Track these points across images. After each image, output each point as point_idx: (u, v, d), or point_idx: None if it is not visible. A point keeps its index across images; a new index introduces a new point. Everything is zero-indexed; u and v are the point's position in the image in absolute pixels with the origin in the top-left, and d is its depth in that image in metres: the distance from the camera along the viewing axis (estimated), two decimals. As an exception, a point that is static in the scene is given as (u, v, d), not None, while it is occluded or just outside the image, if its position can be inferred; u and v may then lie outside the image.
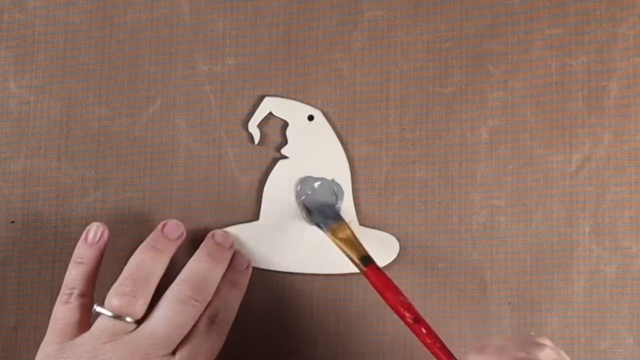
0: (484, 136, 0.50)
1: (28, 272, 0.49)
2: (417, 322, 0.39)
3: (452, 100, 0.50)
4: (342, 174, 0.49)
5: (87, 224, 0.48)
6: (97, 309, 0.43)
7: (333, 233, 0.45)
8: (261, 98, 0.50)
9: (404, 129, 0.50)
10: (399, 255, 0.49)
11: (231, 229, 0.48)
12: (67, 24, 0.50)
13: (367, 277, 0.43)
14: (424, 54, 0.50)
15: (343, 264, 0.47)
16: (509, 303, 0.49)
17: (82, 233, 0.48)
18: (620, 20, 0.50)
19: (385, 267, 0.48)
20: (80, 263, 0.46)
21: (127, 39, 0.50)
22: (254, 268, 0.48)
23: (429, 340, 0.38)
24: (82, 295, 0.44)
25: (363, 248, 0.45)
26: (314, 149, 0.49)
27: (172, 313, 0.42)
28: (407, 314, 0.40)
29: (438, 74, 0.50)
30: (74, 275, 0.45)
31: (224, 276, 0.46)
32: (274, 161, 0.49)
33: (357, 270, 0.46)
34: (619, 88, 0.49)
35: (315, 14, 0.50)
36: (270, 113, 0.49)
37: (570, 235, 0.49)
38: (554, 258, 0.49)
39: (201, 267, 0.44)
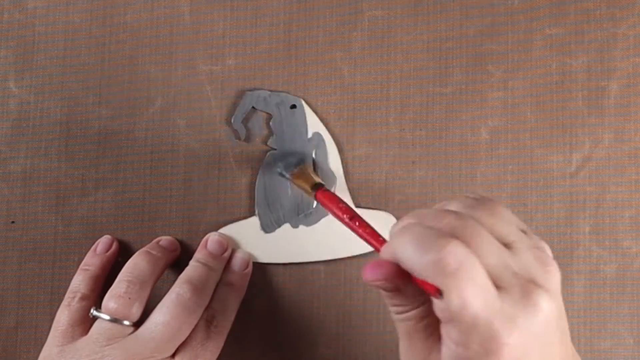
0: (484, 136, 0.49)
1: (28, 272, 0.49)
2: (351, 219, 0.40)
3: (452, 100, 0.50)
4: (332, 158, 0.49)
5: (87, 223, 0.49)
6: (94, 312, 0.43)
7: (295, 178, 0.46)
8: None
9: (404, 129, 0.49)
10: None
11: (229, 228, 0.48)
12: (67, 24, 0.50)
13: (319, 201, 0.44)
14: (424, 54, 0.50)
15: (340, 249, 0.48)
16: (509, 303, 0.48)
17: (82, 233, 0.49)
18: (620, 20, 0.49)
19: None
20: (86, 270, 0.46)
21: (127, 39, 0.50)
22: (256, 265, 0.48)
23: (360, 230, 0.39)
24: (84, 298, 0.44)
25: (313, 178, 0.46)
26: (299, 137, 0.49)
27: (170, 316, 0.42)
28: (345, 215, 0.41)
29: (438, 74, 0.50)
30: (78, 281, 0.45)
31: (221, 278, 0.46)
32: (272, 159, 0.50)
33: (357, 261, 0.47)
34: (619, 88, 0.49)
35: (315, 14, 0.50)
36: (253, 107, 0.49)
37: (570, 235, 0.49)
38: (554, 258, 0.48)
39: (198, 272, 0.44)
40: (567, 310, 0.48)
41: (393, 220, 0.48)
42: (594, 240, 0.49)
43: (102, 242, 0.47)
